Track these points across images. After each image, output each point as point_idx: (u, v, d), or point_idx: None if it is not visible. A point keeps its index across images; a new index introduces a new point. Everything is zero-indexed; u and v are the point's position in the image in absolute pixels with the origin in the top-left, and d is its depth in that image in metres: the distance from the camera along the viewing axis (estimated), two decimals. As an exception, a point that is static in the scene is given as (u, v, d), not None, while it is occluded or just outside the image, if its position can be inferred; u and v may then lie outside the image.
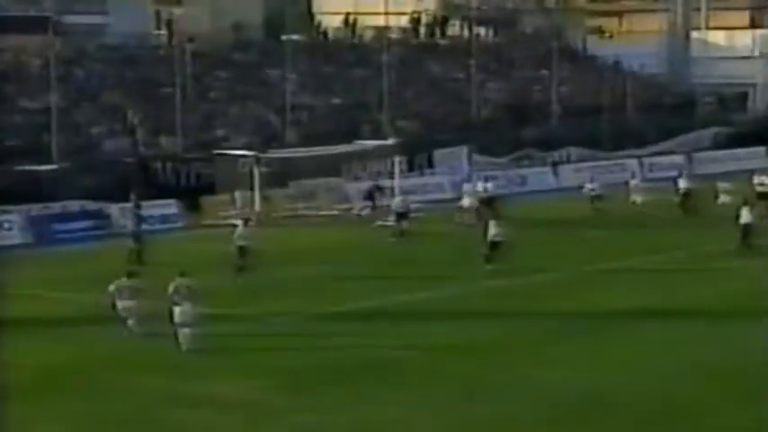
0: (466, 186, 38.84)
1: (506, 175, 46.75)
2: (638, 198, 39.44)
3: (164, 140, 43.04)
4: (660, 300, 24.90)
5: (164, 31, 51.52)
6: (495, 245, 28.17)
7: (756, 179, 39.81)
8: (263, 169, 38.28)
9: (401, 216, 35.22)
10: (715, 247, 30.74)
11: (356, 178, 43.22)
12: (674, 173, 42.63)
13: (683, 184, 39.60)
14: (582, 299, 24.97)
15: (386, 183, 40.20)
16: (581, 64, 61.36)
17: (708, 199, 38.10)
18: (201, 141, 43.27)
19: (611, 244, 32.36)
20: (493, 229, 28.53)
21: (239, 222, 29.59)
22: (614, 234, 34.04)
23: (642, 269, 28.36)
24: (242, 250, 27.89)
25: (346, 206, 40.76)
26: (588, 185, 39.89)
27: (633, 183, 39.96)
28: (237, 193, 38.76)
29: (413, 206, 36.65)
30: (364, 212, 39.34)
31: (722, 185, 38.62)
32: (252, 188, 38.13)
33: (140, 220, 31.74)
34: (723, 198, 37.99)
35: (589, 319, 22.98)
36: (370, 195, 39.27)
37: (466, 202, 37.49)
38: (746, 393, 18.04)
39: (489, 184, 39.13)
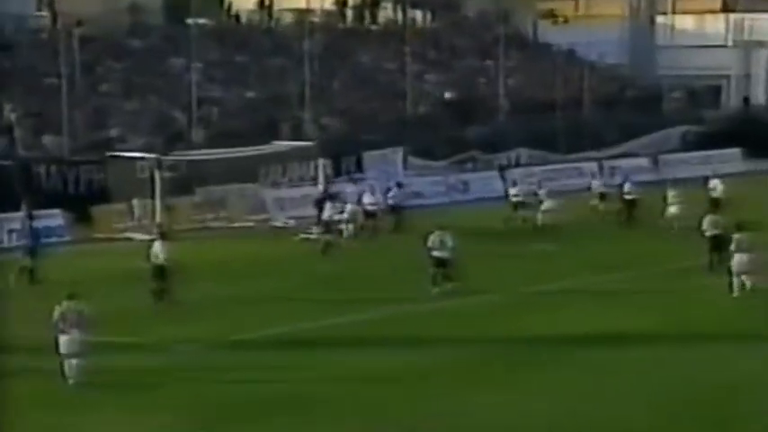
0: (348, 192, 39.25)
1: (446, 180, 47.48)
2: (547, 206, 39.65)
3: (47, 140, 42.84)
4: (609, 323, 25.33)
5: (46, 13, 51.07)
6: (441, 262, 28.06)
7: (711, 183, 41.29)
8: (166, 174, 38.37)
9: (327, 228, 35.54)
10: (672, 264, 31.27)
11: (274, 184, 43.37)
12: (642, 177, 44.24)
13: (596, 186, 41.45)
14: (527, 322, 25.44)
15: (340, 188, 40.08)
16: (532, 53, 62.67)
17: (655, 208, 38.57)
18: (92, 142, 43.05)
19: (559, 260, 33.02)
20: (431, 242, 28.40)
21: (154, 236, 29.28)
22: (562, 249, 34.66)
23: (591, 289, 28.86)
24: (160, 271, 27.27)
25: (262, 216, 41.05)
26: (512, 190, 40.69)
27: (542, 192, 40.32)
28: (135, 202, 38.80)
29: (338, 217, 36.88)
30: (290, 223, 39.17)
31: (671, 192, 38.85)
32: (152, 196, 38.11)
33: (34, 232, 31.41)
34: (673, 207, 38.06)
35: (534, 344, 23.46)
36: (319, 205, 37.47)
37: (345, 213, 37.14)
38: (700, 420, 18.73)
39: (367, 196, 38.86)
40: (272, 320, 25.49)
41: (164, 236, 28.31)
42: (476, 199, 45.56)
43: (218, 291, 28.40)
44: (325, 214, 36.03)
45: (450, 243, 28.27)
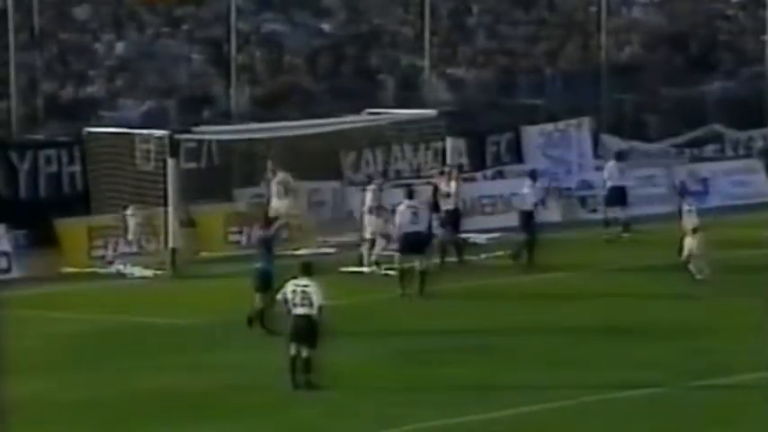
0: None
1: (670, 175, 48.02)
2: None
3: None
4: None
5: None
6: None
7: None
8: (186, 164, 40.22)
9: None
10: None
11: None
12: None
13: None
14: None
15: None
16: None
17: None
18: (58, 107, 44.01)
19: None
20: None
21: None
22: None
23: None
24: (308, 328, 28.31)
25: (347, 238, 41.97)
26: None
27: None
28: (131, 212, 39.52)
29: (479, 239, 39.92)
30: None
31: None
32: (164, 201, 39.04)
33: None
34: None
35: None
36: (451, 218, 38.87)
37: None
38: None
39: (528, 198, 40.61)
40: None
41: (307, 269, 29.11)
42: (719, 208, 45.77)
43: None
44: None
45: None
